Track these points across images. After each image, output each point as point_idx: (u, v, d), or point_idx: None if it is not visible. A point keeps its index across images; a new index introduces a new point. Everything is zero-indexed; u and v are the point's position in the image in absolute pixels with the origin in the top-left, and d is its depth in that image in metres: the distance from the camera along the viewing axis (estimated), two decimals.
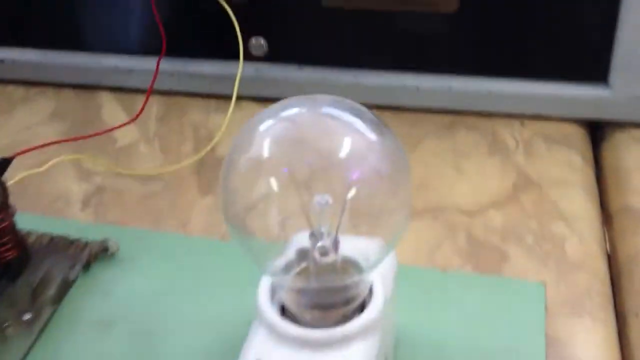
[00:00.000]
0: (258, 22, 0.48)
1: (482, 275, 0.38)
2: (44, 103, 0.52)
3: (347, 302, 0.28)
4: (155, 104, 0.51)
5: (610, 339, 0.36)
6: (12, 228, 0.36)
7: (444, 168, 0.45)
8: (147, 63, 0.49)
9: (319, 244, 0.27)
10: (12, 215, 0.36)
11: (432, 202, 0.43)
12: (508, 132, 0.48)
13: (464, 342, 0.34)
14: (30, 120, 0.50)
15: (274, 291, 0.29)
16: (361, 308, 0.29)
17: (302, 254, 0.29)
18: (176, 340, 0.34)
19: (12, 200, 0.36)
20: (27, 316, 0.34)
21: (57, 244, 0.38)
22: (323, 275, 0.28)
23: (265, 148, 0.26)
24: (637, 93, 0.46)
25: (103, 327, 0.35)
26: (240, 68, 0.46)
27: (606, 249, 0.41)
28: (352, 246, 0.28)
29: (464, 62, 0.48)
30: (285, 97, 0.29)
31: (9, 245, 0.36)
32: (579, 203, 0.43)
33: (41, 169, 0.40)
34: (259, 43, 0.48)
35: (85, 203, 0.43)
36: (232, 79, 0.45)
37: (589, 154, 0.47)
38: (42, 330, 0.34)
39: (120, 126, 0.42)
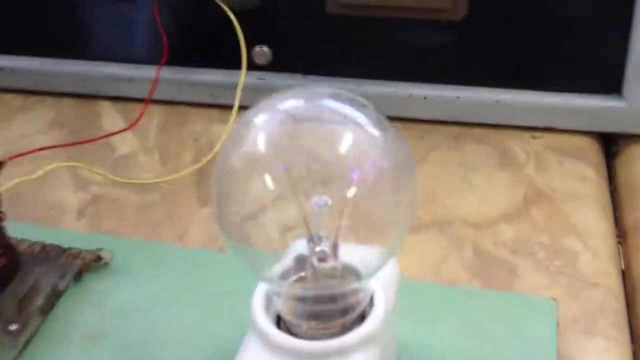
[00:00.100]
0: (262, 31, 0.47)
1: (490, 290, 0.36)
2: (42, 112, 0.51)
3: (346, 311, 0.26)
4: (156, 114, 0.49)
5: None
6: (1, 235, 0.34)
7: (452, 180, 0.44)
8: (148, 72, 0.48)
9: (318, 248, 0.26)
10: (2, 221, 0.34)
11: (438, 214, 0.41)
12: (518, 145, 0.46)
13: (471, 359, 0.33)
14: (28, 129, 0.49)
15: (269, 301, 0.28)
16: (361, 320, 0.27)
17: (300, 262, 0.27)
18: (169, 354, 0.33)
19: (5, 207, 0.35)
20: (13, 326, 0.33)
21: (49, 253, 0.36)
22: (321, 282, 0.26)
23: (260, 144, 0.25)
24: None
25: (93, 339, 0.34)
26: (242, 77, 0.45)
27: (620, 265, 0.40)
28: (352, 253, 0.27)
29: (473, 72, 0.47)
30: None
31: None
32: (592, 217, 0.41)
33: (34, 176, 0.39)
34: (262, 51, 0.47)
35: (81, 212, 0.42)
36: (235, 88, 0.44)
37: (603, 168, 0.45)
38: (28, 342, 0.33)
39: (117, 132, 0.41)
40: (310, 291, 0.26)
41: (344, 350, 0.26)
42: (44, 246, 0.37)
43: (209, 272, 0.37)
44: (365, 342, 0.26)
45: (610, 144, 0.47)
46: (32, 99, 0.52)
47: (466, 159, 0.45)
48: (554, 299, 0.35)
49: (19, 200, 0.42)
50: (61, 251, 0.37)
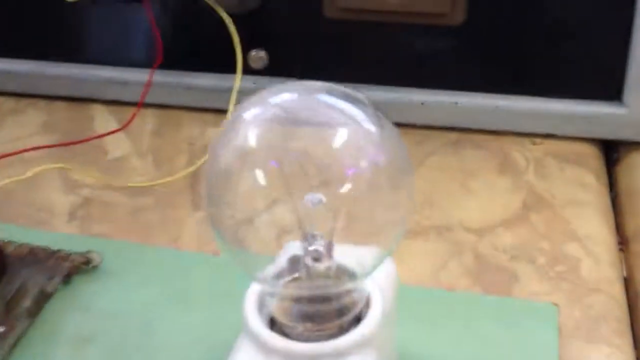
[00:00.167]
0: (258, 34, 0.46)
1: (490, 296, 0.36)
2: (34, 115, 0.50)
3: (341, 312, 0.25)
4: (150, 117, 0.49)
5: None
6: None
7: (451, 186, 0.43)
8: (143, 75, 0.47)
9: (312, 248, 0.25)
10: None
11: (437, 219, 0.41)
12: (518, 151, 0.46)
13: None
14: (20, 132, 0.48)
15: (262, 303, 0.27)
16: (357, 322, 0.26)
17: (295, 262, 0.26)
18: (160, 358, 0.32)
19: None
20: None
21: (37, 255, 0.36)
22: (315, 282, 0.25)
23: (251, 140, 0.24)
24: None
25: (82, 342, 0.33)
26: (238, 81, 0.44)
27: (622, 272, 0.39)
28: (346, 253, 0.26)
29: (472, 77, 0.46)
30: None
31: None
32: (594, 224, 0.40)
33: (24, 177, 0.38)
34: (259, 55, 0.47)
35: (72, 215, 0.41)
36: (230, 92, 0.44)
37: (603, 175, 0.45)
38: (15, 345, 0.32)
39: (109, 133, 0.40)
40: (305, 291, 0.25)
41: (339, 353, 0.25)
42: (32, 248, 0.36)
43: (201, 276, 0.36)
44: (361, 345, 0.25)
45: (611, 151, 0.47)
46: (24, 102, 0.51)
47: (465, 164, 0.45)
48: (556, 305, 0.35)
49: (8, 202, 0.41)
50: (50, 253, 0.36)
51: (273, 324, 0.26)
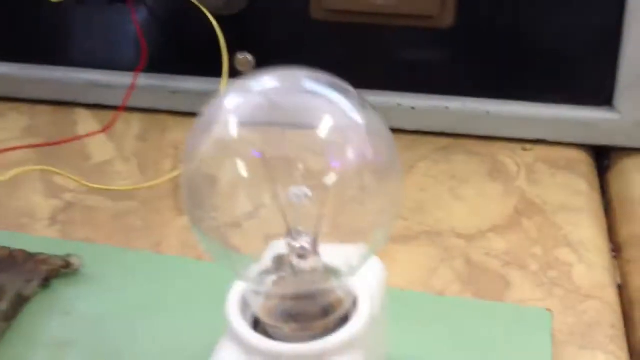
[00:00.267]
0: (244, 37, 0.46)
1: (482, 301, 0.35)
2: (17, 119, 0.49)
3: (326, 312, 0.24)
4: (134, 122, 0.48)
5: None
6: None
7: (441, 191, 0.42)
8: (127, 79, 0.47)
9: (297, 244, 0.24)
10: None
11: (428, 225, 0.40)
12: (509, 157, 0.45)
13: None
14: (2, 135, 0.47)
15: (245, 304, 0.26)
16: (344, 323, 0.25)
17: (279, 262, 0.25)
18: None
19: None
20: None
21: (16, 258, 0.34)
22: (301, 280, 0.24)
23: (232, 130, 0.23)
24: None
25: (60, 347, 0.32)
26: (224, 84, 0.43)
27: (616, 279, 0.38)
28: (332, 252, 0.25)
29: (462, 82, 0.45)
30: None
31: None
32: (586, 229, 0.40)
33: (3, 178, 0.37)
34: (245, 59, 0.46)
35: (53, 220, 0.40)
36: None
37: (595, 181, 0.44)
38: None
39: (90, 134, 0.39)
40: (289, 289, 0.24)
41: (324, 354, 0.24)
42: (11, 251, 0.35)
43: (183, 280, 0.35)
44: (348, 346, 0.24)
45: (602, 158, 0.46)
46: (6, 106, 0.50)
47: (455, 170, 0.44)
48: (549, 310, 0.34)
49: None
50: (29, 256, 0.35)
51: (257, 326, 0.25)
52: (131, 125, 0.48)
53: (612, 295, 0.36)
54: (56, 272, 0.34)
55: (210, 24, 0.43)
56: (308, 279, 0.24)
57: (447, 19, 0.43)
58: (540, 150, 0.45)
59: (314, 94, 0.24)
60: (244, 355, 0.24)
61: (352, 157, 0.23)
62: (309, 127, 0.23)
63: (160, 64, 0.47)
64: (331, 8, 0.44)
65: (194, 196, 0.24)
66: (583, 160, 0.45)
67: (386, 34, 0.45)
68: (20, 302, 0.33)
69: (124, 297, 0.34)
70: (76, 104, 0.49)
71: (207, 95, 0.45)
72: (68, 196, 0.42)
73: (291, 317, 0.24)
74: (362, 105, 0.24)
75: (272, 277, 0.25)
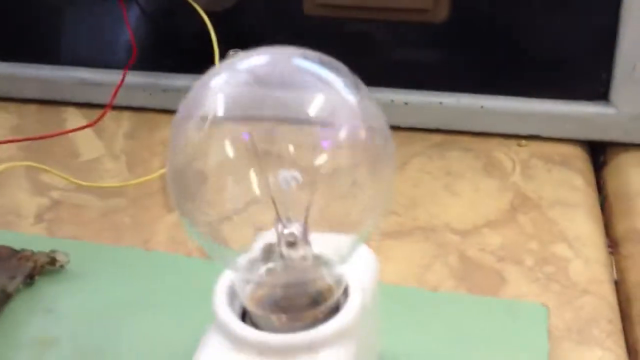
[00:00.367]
0: (236, 33, 0.45)
1: (477, 296, 0.34)
2: (5, 118, 0.48)
3: (316, 302, 0.24)
4: (124, 120, 0.47)
5: None
6: None
7: (435, 187, 0.42)
8: (117, 77, 0.46)
9: (287, 231, 0.23)
10: None
11: (422, 221, 0.39)
12: (504, 153, 0.44)
13: None
14: None
15: (233, 295, 0.25)
16: (335, 314, 0.24)
17: (268, 252, 0.25)
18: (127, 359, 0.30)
19: None
20: None
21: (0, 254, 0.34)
22: (290, 269, 0.23)
23: (218, 110, 0.22)
24: (639, 111, 0.43)
25: (44, 345, 0.31)
26: None
27: (613, 274, 0.37)
28: (321, 240, 0.24)
29: (455, 77, 0.45)
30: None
31: None
32: (582, 224, 0.39)
33: None
34: (237, 55, 0.45)
35: (38, 218, 0.39)
36: None
37: (591, 176, 0.43)
38: None
39: (77, 129, 0.39)
40: (280, 279, 0.24)
41: (314, 345, 0.23)
42: None
43: (172, 277, 0.34)
44: (339, 336, 0.23)
45: (597, 154, 0.46)
46: None
47: (450, 166, 0.43)
48: (545, 306, 0.33)
49: None
50: (13, 253, 0.34)
51: (244, 318, 0.24)
52: (121, 124, 0.47)
53: (609, 291, 0.35)
54: (41, 268, 0.33)
55: (202, 20, 0.43)
56: (298, 267, 0.24)
57: (441, 14, 0.42)
58: (536, 145, 0.45)
59: (304, 71, 0.23)
60: (231, 346, 0.23)
61: (344, 138, 0.22)
62: (299, 107, 0.22)
63: (151, 61, 0.47)
64: (324, 3, 0.43)
65: (179, 182, 0.23)
66: (579, 156, 0.44)
67: (379, 29, 0.44)
68: (3, 299, 0.32)
69: (111, 294, 0.33)
70: (66, 102, 0.49)
71: None
72: (55, 194, 0.41)
73: (280, 307, 0.24)
74: (356, 85, 0.23)
75: (262, 267, 0.24)
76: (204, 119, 0.22)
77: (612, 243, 0.40)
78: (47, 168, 0.39)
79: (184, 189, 0.23)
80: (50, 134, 0.37)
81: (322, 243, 0.24)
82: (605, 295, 0.35)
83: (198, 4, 0.43)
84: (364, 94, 0.23)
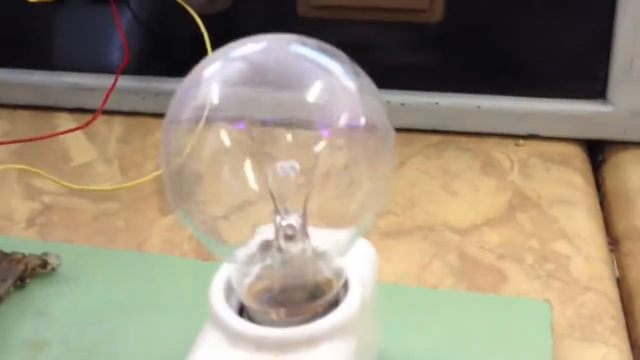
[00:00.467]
0: (230, 35, 0.44)
1: (478, 293, 0.33)
2: None
3: (315, 296, 0.23)
4: (117, 124, 0.46)
5: None
6: None
7: (433, 187, 0.41)
8: (110, 81, 0.45)
9: (285, 222, 0.22)
10: None
11: (420, 220, 0.38)
12: (502, 152, 0.44)
13: None
14: None
15: (230, 290, 0.24)
16: (335, 308, 0.24)
17: (266, 248, 0.24)
18: None
19: None
20: None
21: None
22: (288, 262, 0.23)
23: (213, 98, 0.21)
24: (637, 108, 0.43)
25: (35, 348, 0.30)
26: None
27: (615, 272, 0.37)
28: (320, 235, 0.23)
29: (452, 77, 0.44)
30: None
31: None
32: (582, 222, 0.39)
33: None
34: None
35: (30, 222, 0.39)
36: None
37: (590, 175, 0.43)
38: None
39: (68, 131, 0.38)
40: (277, 272, 0.23)
41: (313, 339, 0.22)
42: None
43: (165, 278, 0.34)
44: (339, 331, 0.23)
45: (595, 153, 0.45)
46: None
47: (448, 165, 0.43)
48: (548, 301, 0.32)
49: None
50: (3, 256, 0.33)
51: (241, 314, 0.24)
52: (113, 128, 0.46)
53: (611, 288, 0.35)
54: (32, 271, 0.33)
55: (195, 23, 0.42)
56: (296, 261, 0.23)
57: (437, 14, 0.42)
58: (533, 145, 0.44)
59: (302, 58, 0.22)
60: (228, 342, 0.22)
61: (343, 126, 0.22)
62: (297, 93, 0.21)
63: (143, 65, 0.46)
64: (318, 4, 0.43)
65: (175, 178, 0.23)
66: (577, 155, 0.44)
67: (374, 30, 0.44)
68: None
69: (103, 297, 0.33)
70: (58, 108, 0.48)
71: None
72: (47, 198, 0.40)
73: (278, 301, 0.23)
74: (355, 72, 0.22)
75: (260, 260, 0.24)
76: (198, 109, 0.22)
77: (613, 241, 0.39)
78: (39, 171, 0.38)
79: (180, 185, 0.23)
80: (40, 136, 0.37)
81: (321, 237, 0.23)
82: (607, 292, 0.34)
83: (191, 6, 0.43)
84: (364, 81, 0.23)
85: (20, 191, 0.41)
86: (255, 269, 0.24)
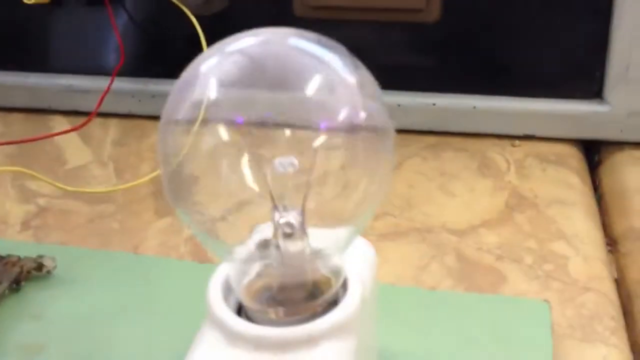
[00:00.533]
0: (226, 36, 0.44)
1: (478, 294, 0.33)
2: None
3: (314, 295, 0.23)
4: (112, 127, 0.46)
5: None
6: None
7: (430, 188, 0.41)
8: (105, 83, 0.45)
9: (283, 220, 0.22)
10: None
11: (417, 221, 0.38)
12: (498, 153, 0.44)
13: None
14: None
15: (228, 290, 0.24)
16: (334, 307, 0.24)
17: (264, 247, 0.24)
18: None
19: None
20: None
21: None
22: (287, 261, 0.23)
23: (211, 92, 0.21)
24: (634, 108, 0.43)
25: (31, 351, 0.30)
26: None
27: (613, 273, 0.37)
28: (318, 235, 0.23)
29: (448, 78, 0.44)
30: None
31: None
32: (580, 222, 0.38)
33: None
34: None
35: (25, 225, 0.38)
36: None
37: (586, 175, 0.43)
38: None
39: (62, 132, 0.38)
40: (276, 271, 0.23)
41: (312, 338, 0.22)
42: None
43: (162, 281, 0.33)
44: (339, 330, 0.22)
45: (591, 153, 0.45)
46: None
47: (444, 166, 0.43)
48: (547, 302, 0.32)
49: None
50: None
51: (239, 314, 0.24)
52: (108, 131, 0.46)
53: (610, 288, 0.35)
54: (28, 274, 0.32)
55: (191, 24, 0.42)
56: (295, 259, 0.23)
57: (433, 13, 0.42)
58: (530, 146, 0.44)
59: (301, 51, 0.22)
60: (227, 342, 0.22)
61: (343, 121, 0.21)
62: (296, 87, 0.21)
63: (139, 67, 0.46)
64: (314, 4, 0.43)
65: (170, 168, 0.23)
66: (573, 155, 0.44)
67: (371, 30, 0.44)
68: None
69: (99, 300, 0.32)
70: (52, 110, 0.48)
71: None
72: (41, 201, 0.40)
73: (277, 300, 0.23)
74: (355, 65, 0.22)
75: (259, 259, 0.24)
76: (196, 106, 0.22)
77: (611, 241, 0.39)
78: (34, 174, 0.38)
79: (178, 184, 0.23)
80: (34, 138, 0.36)
81: (319, 236, 0.23)
82: (607, 292, 0.34)
83: (187, 7, 0.42)
84: (364, 74, 0.22)
85: (15, 194, 0.40)
86: (254, 268, 0.24)
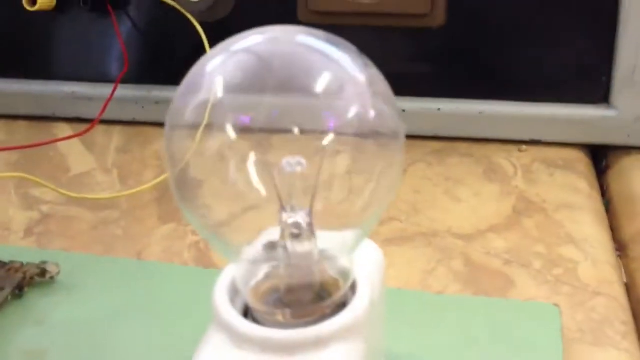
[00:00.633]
0: None
1: (487, 298, 0.33)
2: None
3: (321, 297, 0.22)
4: (116, 134, 0.46)
5: None
6: None
7: (436, 193, 0.41)
8: (108, 91, 0.45)
9: (291, 220, 0.22)
10: None
11: (424, 226, 0.38)
12: (505, 158, 0.43)
13: None
14: None
15: (235, 292, 0.24)
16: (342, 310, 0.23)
17: (271, 249, 0.23)
18: None
19: None
20: None
21: None
22: (294, 262, 0.22)
23: (217, 91, 0.21)
24: None
25: (34, 357, 0.29)
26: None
27: (623, 277, 0.36)
28: (326, 237, 0.23)
29: (454, 83, 0.44)
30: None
31: None
32: (589, 227, 0.38)
33: None
34: None
35: (28, 231, 0.38)
36: None
37: (594, 180, 0.42)
38: None
39: (65, 138, 0.38)
40: (283, 272, 0.22)
41: (320, 340, 0.22)
42: None
43: (165, 287, 0.33)
44: (347, 332, 0.22)
45: (600, 157, 0.45)
46: None
47: (450, 172, 0.42)
48: (557, 306, 0.32)
49: None
50: (1, 264, 0.32)
51: (247, 315, 0.23)
52: (112, 138, 0.46)
53: (620, 292, 0.34)
54: (31, 280, 0.32)
55: (195, 30, 0.42)
56: (302, 261, 0.22)
57: (438, 18, 0.42)
58: (537, 151, 0.44)
59: (310, 49, 0.22)
60: (233, 344, 0.22)
61: (352, 119, 0.21)
62: (304, 85, 0.21)
63: (143, 73, 0.46)
64: (319, 10, 0.43)
65: (177, 167, 0.22)
66: (581, 160, 0.43)
67: (375, 36, 0.43)
68: None
69: (102, 305, 0.32)
70: (56, 118, 0.48)
71: None
72: (45, 207, 0.40)
73: (284, 302, 0.22)
74: (364, 64, 0.22)
75: (266, 261, 0.23)
76: (202, 106, 0.21)
77: (620, 246, 0.39)
78: (37, 180, 0.38)
79: (186, 186, 0.22)
80: (37, 143, 0.36)
81: (327, 237, 0.23)
82: (617, 297, 0.34)
83: (191, 14, 0.42)
84: (373, 73, 0.22)
85: (19, 200, 0.40)
86: (262, 269, 0.23)
